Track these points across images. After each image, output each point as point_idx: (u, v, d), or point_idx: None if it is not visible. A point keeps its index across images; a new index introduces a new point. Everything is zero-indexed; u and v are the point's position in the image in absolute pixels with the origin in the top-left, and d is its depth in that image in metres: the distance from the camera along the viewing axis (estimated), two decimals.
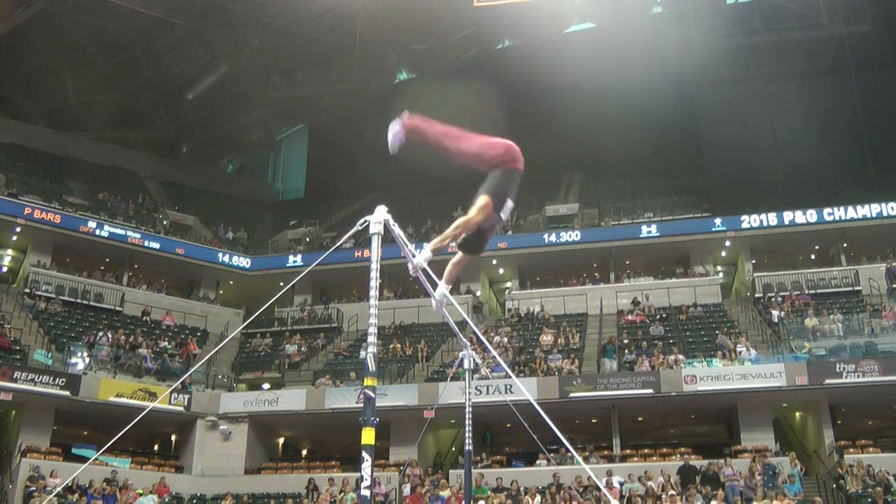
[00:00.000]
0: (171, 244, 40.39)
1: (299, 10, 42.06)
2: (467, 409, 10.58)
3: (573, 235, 39.25)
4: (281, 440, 33.90)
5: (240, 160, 58.05)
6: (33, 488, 24.82)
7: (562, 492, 23.78)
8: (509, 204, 7.46)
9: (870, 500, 21.65)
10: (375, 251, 6.06)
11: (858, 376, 25.84)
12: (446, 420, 29.13)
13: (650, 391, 27.24)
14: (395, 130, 7.40)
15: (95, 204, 41.28)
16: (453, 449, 31.44)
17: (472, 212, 7.16)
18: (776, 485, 23.07)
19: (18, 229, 36.71)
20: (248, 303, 40.96)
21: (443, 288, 7.51)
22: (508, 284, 41.26)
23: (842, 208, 36.40)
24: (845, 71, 39.17)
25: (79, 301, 35.95)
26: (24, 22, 40.42)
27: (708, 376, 27.16)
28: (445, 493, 24.89)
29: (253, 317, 9.76)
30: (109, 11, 40.39)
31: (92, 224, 38.21)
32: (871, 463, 23.74)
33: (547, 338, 32.59)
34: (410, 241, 6.85)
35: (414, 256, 6.82)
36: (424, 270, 6.89)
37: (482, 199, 7.18)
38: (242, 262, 41.89)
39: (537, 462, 27.18)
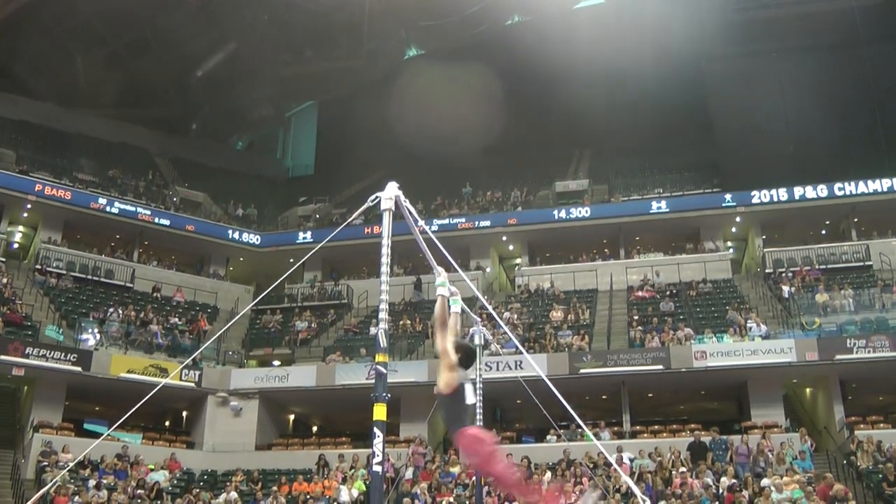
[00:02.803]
0: (181, 221, 40.43)
1: None
2: (478, 386, 10.58)
3: (583, 211, 39.20)
4: (291, 416, 34.00)
5: (249, 137, 58.02)
6: (45, 463, 25.00)
7: (573, 468, 23.83)
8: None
9: (880, 475, 21.65)
10: (386, 227, 6.06)
11: (869, 352, 25.84)
12: None
13: (660, 367, 27.25)
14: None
15: (106, 181, 41.36)
16: None
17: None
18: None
19: (29, 206, 36.77)
20: (259, 279, 41.01)
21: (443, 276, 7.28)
22: (518, 261, 41.20)
23: (852, 183, 36.25)
24: (856, 44, 38.92)
25: (89, 277, 36.03)
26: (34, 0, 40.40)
27: (718, 352, 27.15)
28: (456, 469, 24.98)
29: (264, 294, 9.82)
30: None
31: (102, 201, 38.27)
32: (882, 439, 23.71)
33: (557, 314, 32.60)
34: (420, 216, 6.82)
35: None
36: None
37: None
38: (252, 238, 41.91)
39: (547, 438, 27.24)
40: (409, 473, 25.23)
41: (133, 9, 43.25)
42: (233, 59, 47.42)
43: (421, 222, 6.80)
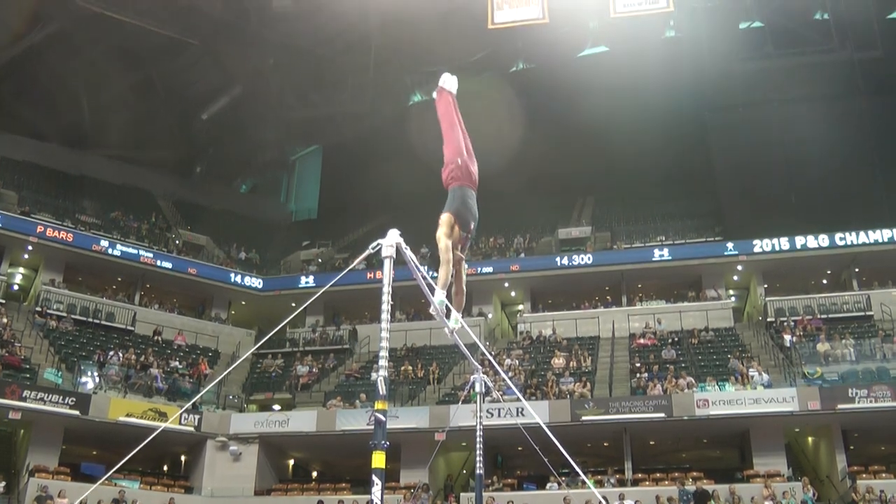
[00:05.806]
0: (183, 264, 40.41)
1: (314, 31, 42.15)
2: (478, 432, 10.54)
3: (585, 258, 39.21)
4: (291, 461, 33.81)
5: (253, 180, 58.17)
6: None
7: None
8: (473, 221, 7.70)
9: None
10: (387, 274, 6.06)
11: (871, 401, 25.77)
12: (457, 443, 29.01)
13: (662, 415, 27.16)
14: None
15: (108, 223, 41.36)
16: (464, 472, 31.32)
17: (440, 232, 7.37)
18: None
19: (30, 247, 36.76)
20: (260, 323, 40.91)
21: (440, 294, 7.46)
22: (520, 307, 41.19)
23: (853, 233, 36.33)
24: (857, 95, 39.16)
25: (90, 320, 35.96)
26: (41, 40, 40.64)
27: (720, 400, 27.06)
28: None
29: (266, 338, 9.78)
30: (125, 31, 40.52)
31: (104, 243, 38.23)
32: (884, 489, 23.64)
33: (559, 361, 32.53)
34: (423, 262, 6.84)
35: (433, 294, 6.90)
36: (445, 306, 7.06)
37: (442, 217, 7.41)
38: (255, 282, 41.88)
39: (548, 486, 27.07)
40: None
41: (139, 51, 43.52)
42: (238, 103, 47.63)
43: (423, 269, 6.80)
